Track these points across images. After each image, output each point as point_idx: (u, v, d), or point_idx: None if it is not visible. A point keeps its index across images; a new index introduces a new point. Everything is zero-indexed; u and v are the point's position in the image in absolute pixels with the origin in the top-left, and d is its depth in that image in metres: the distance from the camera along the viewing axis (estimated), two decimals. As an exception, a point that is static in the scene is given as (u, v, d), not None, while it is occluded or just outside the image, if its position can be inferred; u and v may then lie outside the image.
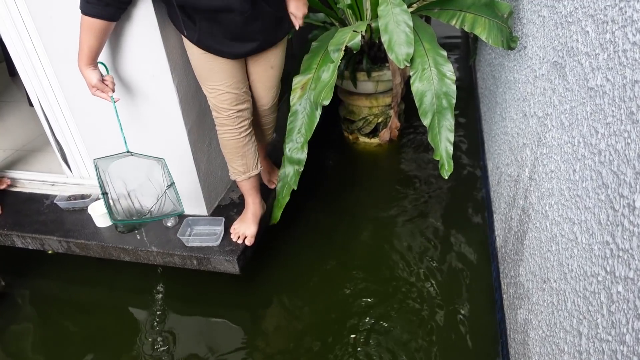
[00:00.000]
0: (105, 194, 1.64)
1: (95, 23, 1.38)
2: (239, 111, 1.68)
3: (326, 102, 1.68)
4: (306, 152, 1.82)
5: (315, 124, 1.81)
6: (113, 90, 1.52)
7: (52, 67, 1.78)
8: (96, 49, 1.45)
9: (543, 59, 1.34)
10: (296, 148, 1.83)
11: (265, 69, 1.70)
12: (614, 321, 0.79)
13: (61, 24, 1.62)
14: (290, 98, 1.84)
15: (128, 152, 1.65)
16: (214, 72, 1.58)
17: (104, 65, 1.59)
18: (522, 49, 1.63)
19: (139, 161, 1.69)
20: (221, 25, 1.44)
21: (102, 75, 1.51)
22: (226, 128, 1.71)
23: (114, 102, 1.54)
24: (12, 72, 3.42)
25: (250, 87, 1.74)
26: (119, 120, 1.59)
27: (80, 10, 1.36)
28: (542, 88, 1.33)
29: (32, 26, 1.72)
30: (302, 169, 1.83)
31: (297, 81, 1.85)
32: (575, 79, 1.05)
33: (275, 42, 1.63)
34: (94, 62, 1.48)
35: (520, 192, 1.53)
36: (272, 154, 2.22)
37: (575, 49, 1.06)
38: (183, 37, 1.54)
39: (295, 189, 1.85)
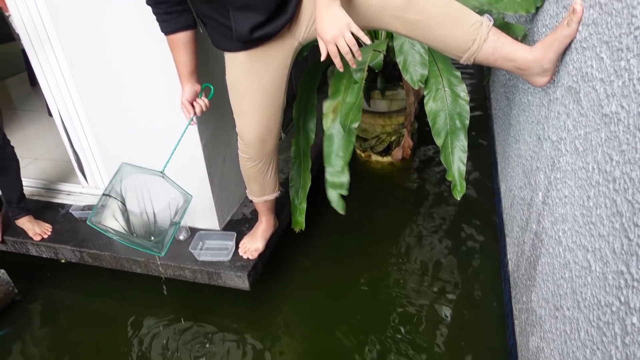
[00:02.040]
0: (106, 195, 1.60)
1: (174, 40, 1.41)
2: (263, 141, 1.60)
3: (355, 125, 1.67)
4: (348, 175, 1.79)
5: (353, 146, 1.81)
6: (197, 114, 1.52)
7: (73, 79, 1.83)
8: (188, 64, 1.46)
9: (557, 83, 1.34)
10: (337, 172, 1.81)
11: (284, 69, 1.54)
12: (629, 354, 0.78)
13: (83, 36, 1.67)
14: (324, 123, 1.84)
15: (161, 172, 1.61)
16: (253, 91, 1.49)
17: (211, 87, 1.57)
18: (537, 72, 1.63)
19: (165, 186, 1.65)
20: (254, 11, 1.31)
21: (197, 95, 1.52)
22: (246, 156, 1.65)
23: (189, 124, 1.53)
24: (33, 82, 3.52)
25: None
26: (179, 141, 1.56)
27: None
28: (556, 112, 1.33)
29: (54, 37, 1.78)
30: (345, 192, 1.81)
31: (328, 105, 1.85)
32: (589, 105, 1.05)
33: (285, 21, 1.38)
34: (191, 78, 1.49)
35: (533, 216, 1.51)
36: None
37: (590, 74, 1.06)
38: (227, 55, 1.47)
39: (343, 213, 1.84)
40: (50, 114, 2.81)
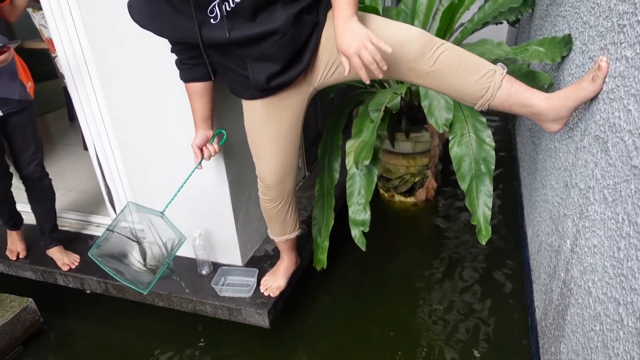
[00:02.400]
0: (110, 231, 1.65)
1: (189, 88, 1.48)
2: (282, 182, 1.64)
3: (367, 162, 1.71)
4: (369, 213, 1.84)
5: (374, 184, 1.85)
6: (204, 159, 1.56)
7: (109, 116, 1.92)
8: (202, 111, 1.52)
9: (584, 132, 1.34)
10: (359, 210, 1.86)
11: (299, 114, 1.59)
12: (665, 416, 0.74)
13: (121, 78, 1.76)
14: (347, 162, 1.88)
15: (161, 213, 1.66)
16: (259, 137, 1.56)
17: (224, 133, 1.63)
18: (563, 119, 1.63)
19: (164, 225, 1.69)
20: (270, 61, 1.35)
21: (208, 139, 1.56)
22: (267, 197, 1.68)
23: (196, 168, 1.57)
24: (72, 117, 3.69)
25: None
26: (184, 183, 1.61)
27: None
28: (583, 160, 1.32)
29: (95, 77, 1.88)
30: (367, 230, 1.85)
31: (350, 145, 1.90)
32: (618, 155, 1.05)
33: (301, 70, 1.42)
34: (204, 123, 1.54)
35: (561, 264, 1.48)
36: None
37: (618, 125, 1.06)
38: (245, 102, 1.53)
39: (364, 249, 1.87)
40: (85, 148, 2.94)
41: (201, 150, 1.56)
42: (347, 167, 1.90)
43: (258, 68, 1.36)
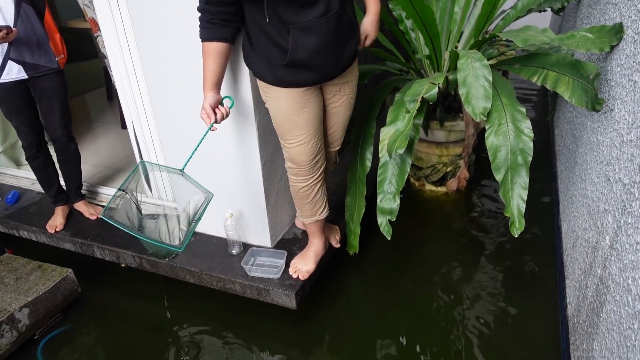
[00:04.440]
0: (122, 190, 1.60)
1: (209, 47, 1.46)
2: (315, 162, 1.71)
3: (400, 151, 1.70)
4: (398, 202, 1.84)
5: (406, 174, 1.84)
6: (217, 122, 1.50)
7: (149, 95, 1.96)
8: (216, 73, 1.49)
9: (632, 125, 1.29)
10: (388, 198, 1.86)
11: (347, 109, 1.75)
12: None
13: (163, 59, 1.79)
14: (380, 149, 1.88)
15: (181, 171, 1.61)
16: (297, 122, 1.60)
17: (231, 100, 1.64)
18: (607, 111, 1.58)
19: (185, 185, 1.65)
20: (315, 34, 1.42)
21: (219, 103, 1.52)
22: (300, 178, 1.74)
23: (210, 129, 1.52)
24: (110, 96, 3.79)
25: (326, 131, 1.79)
26: (199, 143, 1.58)
27: (200, 39, 1.47)
28: (629, 154, 1.28)
29: (137, 59, 1.92)
30: (394, 219, 1.85)
31: (385, 133, 1.89)
32: (668, 149, 1.00)
33: (351, 62, 1.62)
34: (214, 87, 1.50)
35: (598, 260, 1.44)
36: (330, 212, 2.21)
37: (670, 118, 1.02)
38: (269, 89, 1.57)
39: (389, 238, 1.88)
40: (123, 127, 3.02)
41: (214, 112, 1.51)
42: (380, 155, 1.89)
43: (301, 40, 1.41)
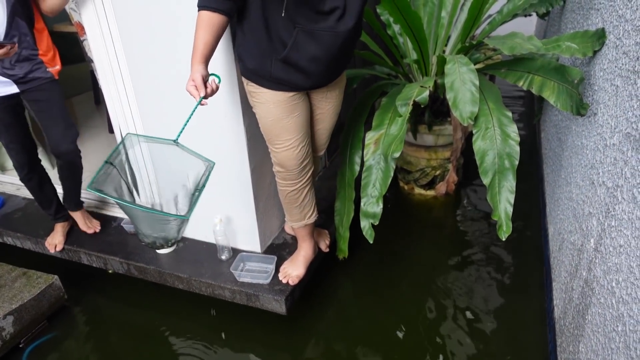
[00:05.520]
0: (109, 163, 1.48)
1: (208, 17, 1.36)
2: (304, 166, 1.72)
3: (396, 155, 1.71)
4: (381, 206, 1.83)
5: (390, 178, 1.83)
6: (207, 96, 1.38)
7: (136, 100, 1.95)
8: (210, 46, 1.39)
9: (615, 129, 1.31)
10: (371, 202, 1.86)
11: (332, 116, 1.77)
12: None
13: (150, 62, 1.78)
14: (364, 153, 1.89)
15: (175, 141, 1.47)
16: (286, 127, 1.60)
17: (218, 77, 1.47)
18: (592, 115, 1.60)
19: (182, 158, 1.51)
20: (317, 43, 1.42)
21: (207, 76, 1.40)
22: (288, 182, 1.74)
23: (199, 103, 1.39)
24: (97, 100, 3.75)
25: (312, 135, 1.80)
26: (191, 115, 1.43)
27: (198, 7, 1.37)
28: (612, 158, 1.30)
29: (124, 63, 1.90)
30: (377, 223, 1.85)
31: (370, 137, 1.90)
32: (650, 154, 1.02)
33: (340, 73, 1.68)
34: (205, 60, 1.39)
35: (583, 263, 1.46)
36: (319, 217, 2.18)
37: (651, 123, 1.04)
38: (257, 93, 1.56)
39: (371, 242, 1.87)
40: (111, 131, 2.99)
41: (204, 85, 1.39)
42: (365, 159, 1.89)
43: (301, 42, 1.41)
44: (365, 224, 1.88)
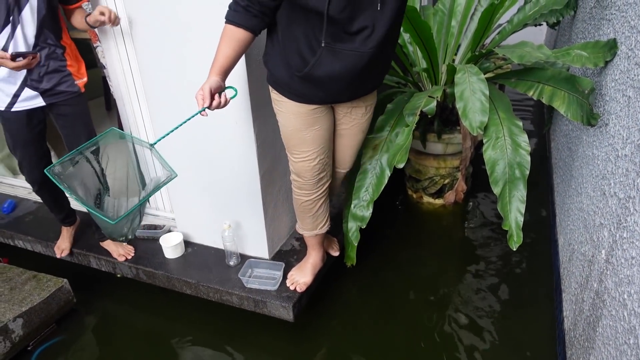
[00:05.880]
0: (80, 153, 1.47)
1: (232, 31, 1.37)
2: (320, 178, 1.71)
3: (401, 165, 1.71)
4: (371, 211, 1.84)
5: (384, 185, 1.84)
6: (210, 108, 1.36)
7: (147, 105, 1.97)
8: (229, 60, 1.39)
9: (627, 140, 1.30)
10: (361, 205, 1.86)
11: (357, 133, 1.73)
12: None
13: (161, 69, 1.80)
14: (362, 157, 1.89)
15: (151, 146, 1.47)
16: (304, 139, 1.60)
17: (235, 90, 1.48)
18: (602, 126, 1.59)
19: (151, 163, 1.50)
20: (342, 62, 1.40)
21: (221, 89, 1.39)
22: (303, 192, 1.75)
23: (199, 112, 1.38)
24: (109, 106, 3.79)
25: (334, 151, 1.78)
26: (182, 123, 1.41)
27: (225, 20, 1.38)
28: (624, 169, 1.29)
29: (136, 70, 1.93)
30: (364, 226, 1.85)
31: (369, 140, 1.91)
32: (663, 165, 1.02)
33: (367, 93, 1.62)
34: (222, 73, 1.39)
35: (594, 274, 1.44)
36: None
37: (664, 134, 1.03)
38: (280, 102, 1.57)
39: (355, 245, 1.87)
40: (121, 137, 3.01)
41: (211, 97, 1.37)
42: (361, 162, 1.89)
43: (325, 60, 1.39)
44: (352, 226, 1.89)
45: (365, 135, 1.78)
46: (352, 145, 1.77)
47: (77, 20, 1.80)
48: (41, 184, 1.98)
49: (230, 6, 1.37)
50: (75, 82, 1.84)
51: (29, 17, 1.63)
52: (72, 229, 2.23)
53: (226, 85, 1.41)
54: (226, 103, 1.38)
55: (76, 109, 1.87)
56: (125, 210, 1.49)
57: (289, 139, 1.64)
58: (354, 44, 1.36)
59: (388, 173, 1.82)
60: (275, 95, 1.58)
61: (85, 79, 1.90)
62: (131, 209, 1.44)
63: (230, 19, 1.37)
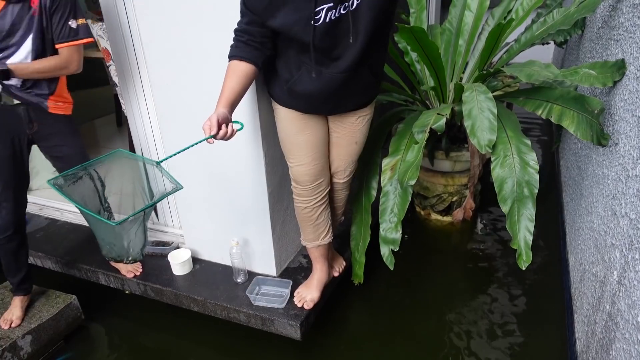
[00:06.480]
0: (84, 168, 1.53)
1: (236, 65, 1.44)
2: (317, 184, 1.76)
3: (412, 182, 1.71)
4: (400, 232, 1.84)
5: (408, 204, 1.84)
6: (216, 137, 1.39)
7: (158, 123, 2.00)
8: (234, 92, 1.44)
9: (637, 160, 1.30)
10: (390, 228, 1.86)
11: (349, 143, 1.77)
12: None
13: (173, 87, 1.83)
14: (382, 179, 1.91)
15: (157, 163, 1.50)
16: (296, 143, 1.68)
17: (241, 124, 1.50)
18: (612, 145, 1.59)
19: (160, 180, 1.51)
20: (317, 81, 1.50)
21: (228, 120, 1.41)
22: (302, 198, 1.79)
23: (206, 139, 1.39)
24: (120, 122, 3.85)
25: (329, 160, 1.82)
26: (188, 147, 1.44)
27: (228, 57, 1.46)
28: (635, 189, 1.28)
29: (148, 88, 1.96)
30: (397, 249, 1.85)
31: (387, 163, 1.92)
32: (674, 187, 1.01)
33: (354, 109, 1.69)
34: (228, 106, 1.44)
35: (606, 296, 1.42)
36: (335, 241, 2.10)
37: (675, 156, 1.02)
38: (276, 110, 1.67)
39: (392, 269, 1.87)
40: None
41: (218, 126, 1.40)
42: (382, 184, 1.90)
43: (304, 79, 1.51)
44: (385, 251, 1.87)
45: (360, 147, 1.81)
46: (346, 154, 1.80)
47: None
48: (16, 229, 1.89)
49: (231, 45, 1.48)
50: (45, 102, 1.77)
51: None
52: (25, 299, 1.99)
53: (233, 120, 1.46)
54: (232, 134, 1.43)
55: (56, 129, 1.83)
56: (131, 222, 1.50)
57: (283, 144, 1.73)
58: (330, 68, 1.48)
59: (410, 191, 1.82)
60: (273, 103, 1.68)
61: (62, 104, 1.83)
62: (134, 212, 1.47)
63: (233, 54, 1.47)
